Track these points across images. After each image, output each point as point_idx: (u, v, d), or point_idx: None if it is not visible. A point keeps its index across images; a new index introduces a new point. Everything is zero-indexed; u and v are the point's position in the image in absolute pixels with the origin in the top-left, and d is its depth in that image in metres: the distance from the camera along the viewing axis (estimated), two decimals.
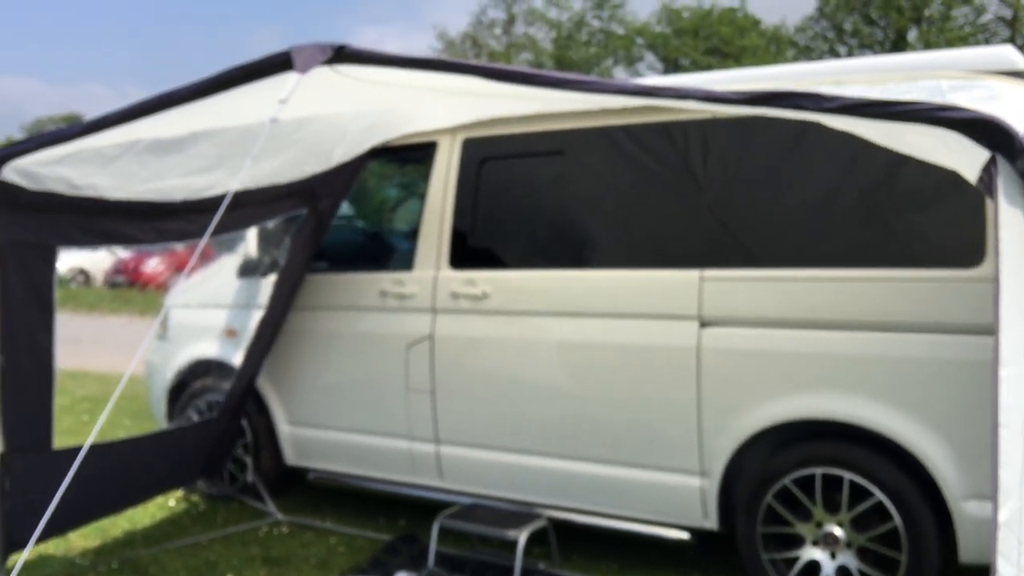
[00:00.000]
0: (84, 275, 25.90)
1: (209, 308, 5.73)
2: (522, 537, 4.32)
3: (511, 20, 36.73)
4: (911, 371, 3.72)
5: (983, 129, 2.02)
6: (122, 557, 4.75)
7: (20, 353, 3.79)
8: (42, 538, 4.50)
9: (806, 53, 34.06)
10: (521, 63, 35.11)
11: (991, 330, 2.14)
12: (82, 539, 5.02)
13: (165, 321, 5.99)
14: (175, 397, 5.89)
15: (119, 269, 24.87)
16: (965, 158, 2.10)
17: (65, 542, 4.95)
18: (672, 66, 34.41)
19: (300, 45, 2.58)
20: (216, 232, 4.29)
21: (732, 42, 33.85)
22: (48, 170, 3.45)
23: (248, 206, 4.35)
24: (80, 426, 7.77)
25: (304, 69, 2.54)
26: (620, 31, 36.62)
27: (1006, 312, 1.92)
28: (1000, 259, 1.94)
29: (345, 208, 5.57)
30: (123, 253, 24.26)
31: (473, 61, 2.49)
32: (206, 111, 3.06)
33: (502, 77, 2.41)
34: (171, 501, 5.67)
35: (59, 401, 8.64)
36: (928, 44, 31.30)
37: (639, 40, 36.25)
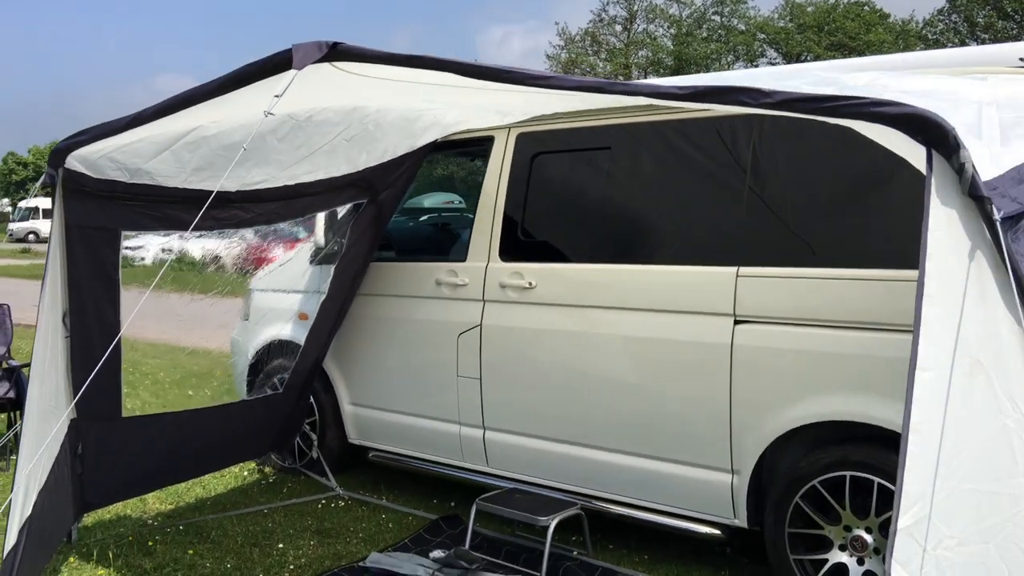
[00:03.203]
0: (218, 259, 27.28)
1: (285, 292, 6.06)
2: (552, 523, 4.42)
3: (631, 17, 36.43)
4: None
5: (915, 124, 1.99)
6: (189, 521, 5.12)
7: (88, 328, 4.15)
8: (117, 500, 4.93)
9: (936, 48, 32.41)
10: (640, 60, 34.79)
11: None
12: (158, 503, 5.43)
13: (248, 303, 6.38)
14: (255, 374, 6.26)
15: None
16: (914, 153, 2.08)
17: (142, 504, 5.36)
18: (794, 62, 33.46)
19: (300, 43, 2.77)
20: (273, 221, 4.59)
21: (858, 37, 32.55)
22: (106, 160, 3.78)
23: (304, 196, 4.60)
24: (184, 399, 8.33)
25: (300, 65, 2.72)
26: (741, 27, 35.79)
27: (929, 314, 1.90)
28: (925, 258, 1.91)
29: (410, 199, 5.79)
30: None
31: (452, 58, 2.61)
32: (235, 105, 3.29)
33: (469, 73, 2.53)
34: (244, 472, 6.04)
35: (170, 376, 9.32)
36: None
37: (760, 36, 35.33)
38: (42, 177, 3.75)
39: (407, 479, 5.80)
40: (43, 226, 41.91)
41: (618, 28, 36.95)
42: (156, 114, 3.29)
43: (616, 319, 4.54)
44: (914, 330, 1.91)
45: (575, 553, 4.66)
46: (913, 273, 3.67)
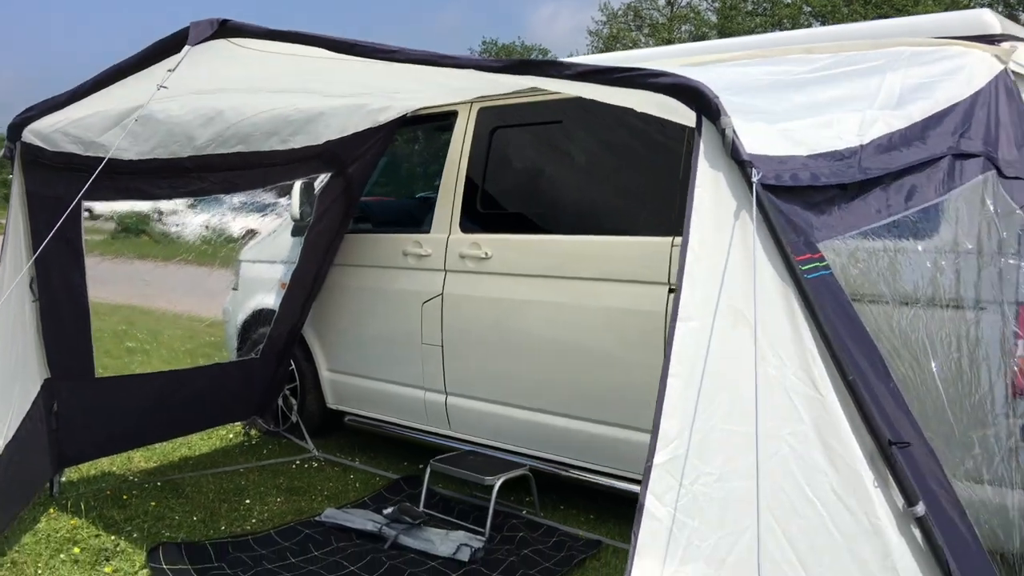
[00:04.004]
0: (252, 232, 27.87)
1: (270, 263, 6.30)
2: (497, 483, 4.60)
3: None
4: None
5: (686, 93, 2.10)
6: (167, 478, 5.40)
7: (55, 292, 4.41)
8: (94, 457, 5.23)
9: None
10: (683, 35, 34.36)
11: None
12: (143, 461, 5.73)
13: (237, 274, 6.65)
14: (243, 341, 6.53)
15: None
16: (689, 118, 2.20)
17: (128, 462, 5.66)
18: None
19: (198, 20, 2.95)
20: (231, 190, 4.81)
21: (907, 9, 31.65)
22: (60, 134, 4.02)
23: (262, 167, 4.80)
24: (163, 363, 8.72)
25: (193, 42, 2.91)
26: (787, 0, 35.06)
27: (692, 267, 2.01)
28: (691, 216, 2.03)
29: (379, 172, 5.97)
30: None
31: (325, 34, 2.77)
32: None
33: (338, 48, 2.69)
34: (230, 435, 6.32)
35: (186, 346, 9.67)
36: None
37: (806, 8, 34.58)
38: (1, 150, 4.01)
39: (381, 442, 6.02)
40: None
41: (661, 3, 36.55)
42: (93, 87, 3.51)
43: (562, 288, 4.67)
44: (678, 282, 2.02)
45: (524, 512, 4.84)
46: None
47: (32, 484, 4.55)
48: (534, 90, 4.82)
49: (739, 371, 1.98)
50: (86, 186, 3.36)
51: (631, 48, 34.04)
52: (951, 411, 2.49)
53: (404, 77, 3.58)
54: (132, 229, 23.75)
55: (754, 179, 2.00)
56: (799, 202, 2.29)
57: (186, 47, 2.93)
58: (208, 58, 3.17)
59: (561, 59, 3.24)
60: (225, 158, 4.54)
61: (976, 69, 3.47)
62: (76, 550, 4.32)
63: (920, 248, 2.75)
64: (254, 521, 4.82)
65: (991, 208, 3.08)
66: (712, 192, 2.06)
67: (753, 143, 2.10)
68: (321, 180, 5.55)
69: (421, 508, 4.83)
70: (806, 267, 2.07)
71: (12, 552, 4.28)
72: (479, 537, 4.48)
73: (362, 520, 4.66)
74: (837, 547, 2.00)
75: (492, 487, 4.62)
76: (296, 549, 4.43)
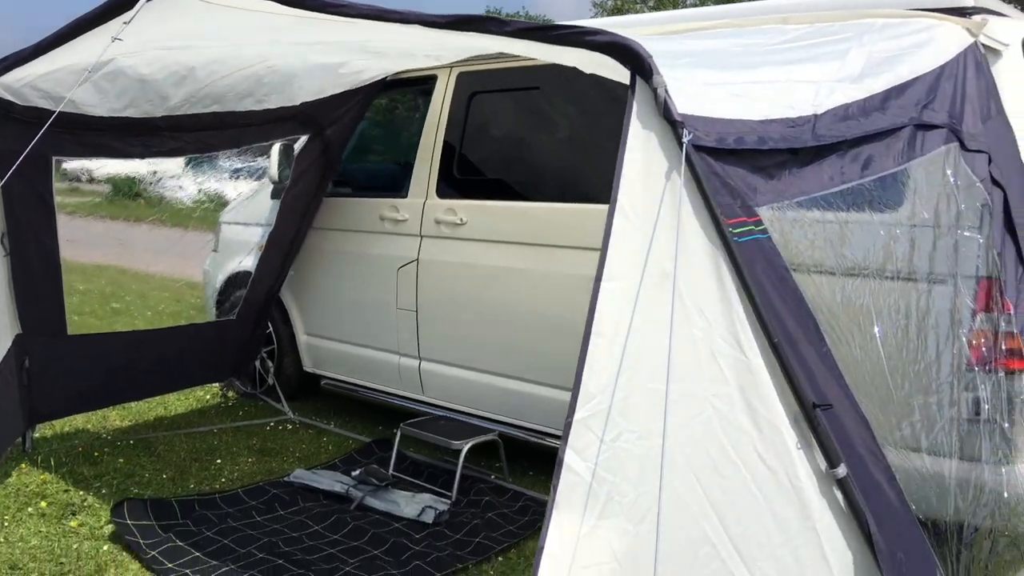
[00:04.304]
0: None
1: (249, 225, 6.30)
2: (464, 447, 4.63)
3: None
4: None
5: (621, 51, 2.09)
6: (141, 437, 5.43)
7: (27, 249, 4.42)
8: (67, 414, 5.26)
9: None
10: (687, 7, 34.04)
11: None
12: (119, 419, 5.76)
13: (217, 236, 6.65)
14: (222, 302, 6.54)
15: None
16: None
17: (103, 419, 5.70)
18: None
19: None
20: (205, 149, 4.80)
21: None
22: (29, 88, 4.01)
23: (235, 127, 4.78)
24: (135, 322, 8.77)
25: None
26: None
27: (619, 226, 2.01)
28: (621, 175, 2.02)
29: (360, 135, 5.96)
30: None
31: None
32: (135, 35, 3.47)
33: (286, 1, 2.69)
34: (208, 395, 6.35)
35: (172, 308, 9.68)
36: None
37: None
38: None
39: (356, 407, 6.05)
40: None
41: None
42: (56, 41, 3.50)
43: (537, 256, 4.67)
44: (603, 242, 2.02)
45: (492, 477, 4.87)
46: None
47: (2, 439, 4.57)
48: (512, 55, 4.80)
49: (664, 332, 1.99)
50: (37, 137, 3.33)
51: None
52: (891, 377, 2.50)
53: (373, 37, 3.57)
54: (127, 192, 23.64)
55: (685, 139, 1.99)
56: (746, 166, 2.28)
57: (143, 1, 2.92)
58: (172, 13, 3.16)
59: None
60: (199, 118, 4.52)
61: (945, 41, 3.44)
62: (43, 504, 4.35)
63: (875, 218, 2.75)
64: (223, 480, 4.85)
65: (951, 180, 3.07)
66: (643, 152, 2.05)
67: (691, 104, 2.09)
68: (301, 142, 5.53)
69: (391, 471, 4.86)
70: (738, 230, 2.06)
71: None
72: (445, 500, 4.51)
73: (330, 481, 4.69)
74: (758, 507, 2.01)
75: (460, 451, 4.64)
76: (262, 508, 4.46)
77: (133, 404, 5.97)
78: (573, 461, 1.87)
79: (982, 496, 2.64)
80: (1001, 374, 2.96)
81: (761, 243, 2.13)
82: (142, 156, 4.57)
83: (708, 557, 1.96)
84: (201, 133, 4.63)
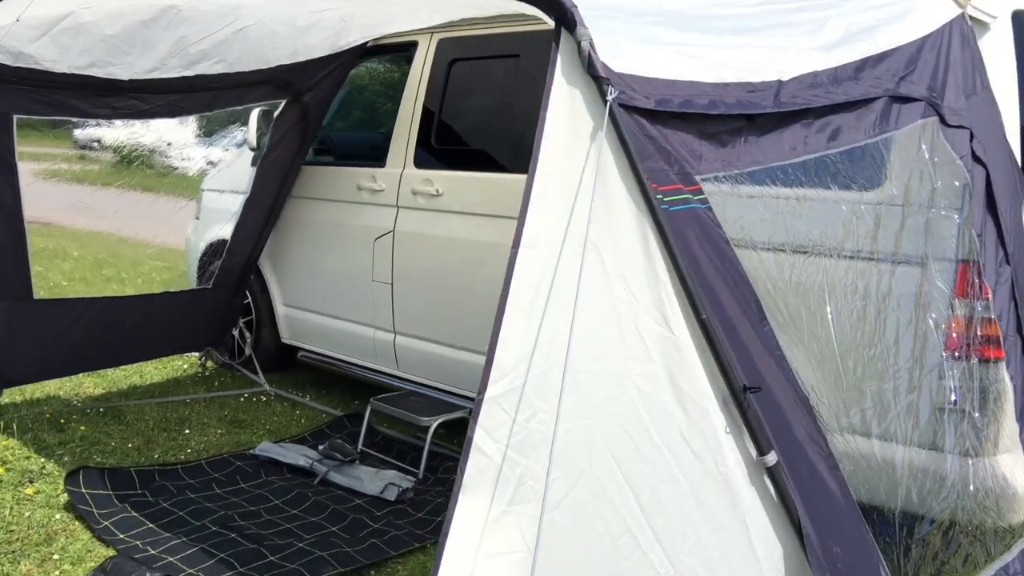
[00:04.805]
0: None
1: (228, 193, 6.18)
2: (433, 424, 4.53)
3: None
4: None
5: (545, 2, 1.96)
6: (112, 405, 5.35)
7: None
8: (37, 379, 5.18)
9: None
10: None
11: None
12: (92, 387, 5.68)
13: (199, 203, 6.54)
14: (203, 270, 6.44)
15: None
16: None
17: (77, 386, 5.62)
18: None
19: None
20: (176, 113, 4.67)
21: None
22: None
23: (208, 90, 4.65)
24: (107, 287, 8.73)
25: None
26: None
27: (539, 191, 1.87)
28: (542, 135, 1.89)
29: (341, 102, 5.82)
30: None
31: None
32: None
33: None
34: (185, 365, 6.27)
35: (164, 276, 9.63)
36: None
37: None
38: None
39: (334, 380, 5.95)
40: None
41: None
42: None
43: (510, 229, 4.51)
44: (522, 206, 1.89)
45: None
46: None
47: None
48: (493, 20, 4.65)
49: (586, 305, 1.86)
50: None
51: None
52: (842, 361, 2.36)
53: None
54: (134, 161, 23.61)
55: (608, 97, 1.85)
56: (692, 130, 2.14)
57: None
58: None
59: None
60: (167, 81, 4.39)
61: (929, 12, 3.27)
62: (2, 470, 4.28)
63: (838, 194, 2.60)
64: (189, 451, 4.77)
65: (926, 156, 2.92)
66: (567, 110, 1.91)
67: (627, 62, 1.95)
68: (280, 108, 5.40)
69: (359, 446, 4.77)
70: (670, 198, 1.93)
71: None
72: (410, 477, 4.41)
73: (295, 455, 4.60)
74: (683, 494, 1.89)
75: (428, 428, 4.54)
76: (224, 480, 4.38)
77: (109, 372, 5.90)
78: (483, 442, 1.75)
79: (942, 488, 2.51)
80: (974, 361, 2.82)
81: (698, 213, 1.99)
82: (108, 118, 4.45)
83: (628, 548, 1.83)
84: (171, 96, 4.50)
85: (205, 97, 4.70)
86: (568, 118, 1.91)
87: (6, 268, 4.54)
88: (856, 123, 2.74)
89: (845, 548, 1.99)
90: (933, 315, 2.67)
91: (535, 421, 1.79)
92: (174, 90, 4.50)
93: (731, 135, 2.27)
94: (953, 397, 2.59)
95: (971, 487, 2.54)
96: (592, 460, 1.84)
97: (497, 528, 1.74)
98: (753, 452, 1.92)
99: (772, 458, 1.91)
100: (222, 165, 6.42)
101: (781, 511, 1.92)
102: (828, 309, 2.33)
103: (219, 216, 6.19)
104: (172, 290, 5.75)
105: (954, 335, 2.73)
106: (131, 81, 4.27)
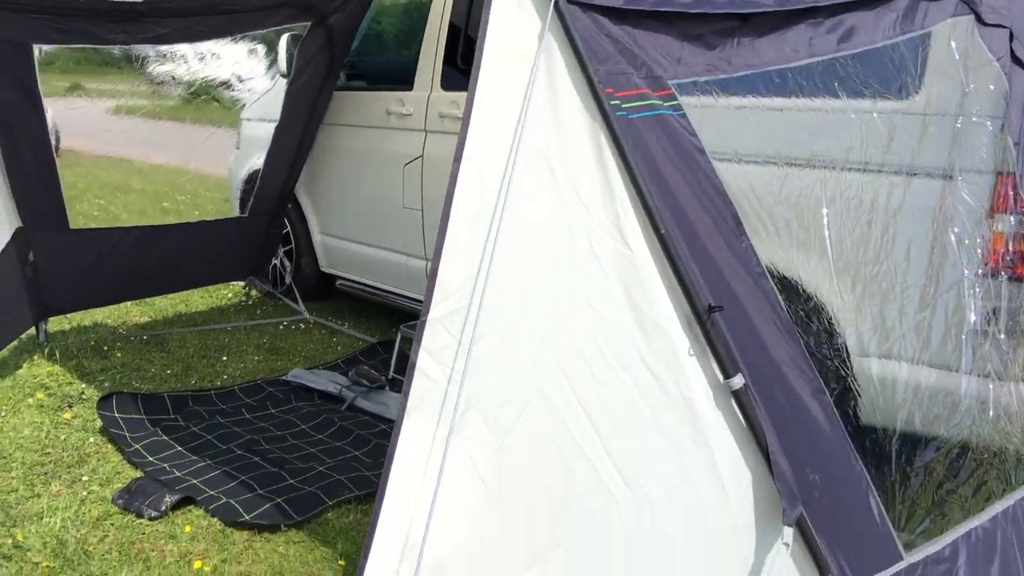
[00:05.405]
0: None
1: (265, 122, 6.15)
2: None
3: None
4: None
5: None
6: (156, 333, 5.46)
7: (17, 140, 4.36)
8: (78, 308, 5.31)
9: None
10: None
11: None
12: (139, 315, 5.81)
13: (239, 133, 6.54)
14: (244, 200, 6.47)
15: None
16: None
17: (124, 315, 5.74)
18: None
19: None
20: (194, 38, 4.63)
21: None
22: None
23: (227, 13, 4.58)
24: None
25: None
26: None
27: (484, 96, 1.74)
28: (485, 39, 1.74)
29: (369, 25, 5.69)
30: None
31: None
32: None
33: None
34: (229, 294, 6.35)
35: (222, 208, 9.77)
36: None
37: None
38: None
39: (373, 308, 5.96)
40: None
41: None
42: None
43: None
44: (464, 116, 1.76)
45: None
46: None
47: (4, 330, 4.62)
48: None
49: (535, 220, 1.74)
50: None
51: None
52: (839, 278, 2.20)
53: None
54: (201, 94, 23.82)
55: None
56: (671, 31, 1.98)
57: None
58: None
59: None
60: (183, 3, 4.33)
61: None
62: (43, 395, 4.41)
63: (846, 103, 2.40)
64: (226, 377, 4.84)
65: (956, 58, 2.68)
66: (515, 8, 1.76)
67: None
68: (274, 30, 5.30)
69: (391, 373, 4.77)
70: (630, 104, 1.78)
71: None
72: None
73: (324, 381, 4.63)
74: (641, 418, 1.79)
75: None
76: (255, 406, 4.43)
77: (155, 301, 6.01)
78: (427, 365, 1.67)
79: (954, 414, 2.35)
80: (1003, 280, 2.62)
81: (666, 120, 1.84)
82: (125, 43, 4.42)
83: (583, 473, 1.75)
84: (188, 19, 4.44)
85: (223, 20, 4.63)
86: (515, 17, 1.76)
87: (40, 199, 4.61)
88: (874, 22, 2.52)
89: (826, 476, 1.87)
90: (956, 230, 2.47)
91: (483, 343, 1.71)
92: (191, 13, 4.44)
93: (720, 36, 2.09)
94: (973, 317, 2.41)
95: (991, 412, 2.37)
96: (543, 383, 1.75)
97: (443, 453, 1.68)
98: (720, 375, 1.81)
99: (738, 381, 1.79)
100: (260, 93, 6.38)
101: (750, 437, 1.81)
102: (825, 224, 2.17)
103: (257, 145, 6.18)
104: (208, 219, 5.78)
105: (980, 251, 2.54)
106: (147, 3, 4.22)
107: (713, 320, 1.76)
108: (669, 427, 1.79)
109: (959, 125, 2.64)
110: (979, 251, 2.47)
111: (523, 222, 1.73)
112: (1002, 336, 2.53)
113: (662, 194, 1.78)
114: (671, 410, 1.79)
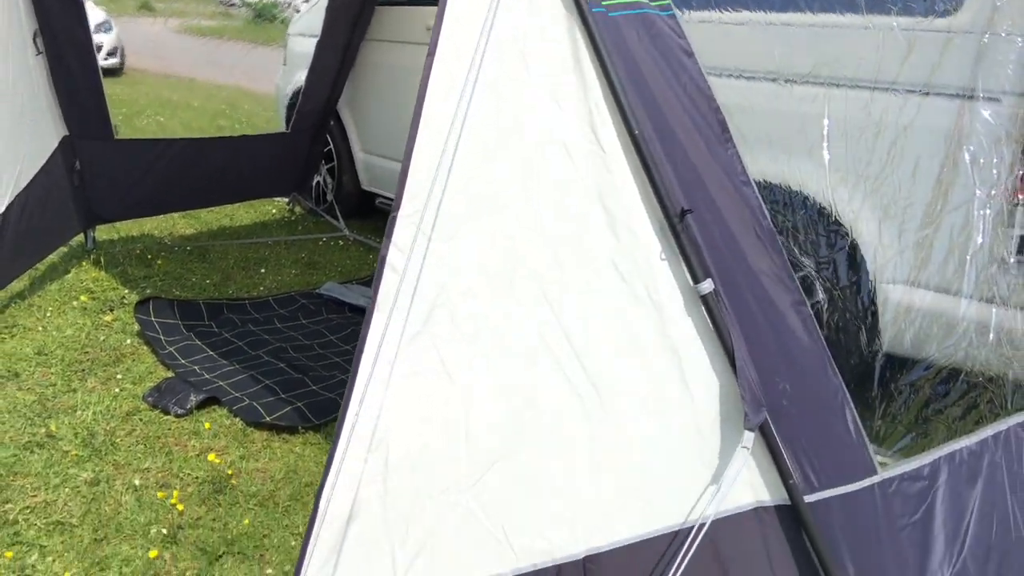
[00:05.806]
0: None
1: (309, 37, 6.17)
2: None
3: None
4: None
5: None
6: (199, 244, 5.61)
7: (62, 47, 4.46)
8: (124, 218, 5.46)
9: None
10: None
11: None
12: (185, 226, 5.96)
13: (286, 49, 6.58)
14: (290, 117, 6.54)
15: None
16: None
17: (171, 227, 5.90)
18: None
19: None
20: None
21: None
22: None
23: None
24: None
25: None
26: None
27: (451, 5, 1.70)
28: (442, 21, 1.71)
29: None
30: None
31: None
32: None
33: None
34: (273, 209, 6.47)
35: (276, 126, 9.86)
36: None
37: None
38: None
39: None
40: None
41: None
42: None
43: None
44: (437, 16, 1.74)
45: None
46: None
47: (52, 236, 4.79)
48: None
49: (507, 117, 1.74)
50: None
51: None
52: (834, 191, 2.16)
53: None
54: (266, 15, 24.04)
55: None
56: None
57: None
58: None
59: None
60: None
61: None
62: (86, 299, 4.58)
63: (866, 19, 2.32)
64: (262, 288, 4.97)
65: None
66: (466, 14, 1.73)
67: None
68: None
69: None
70: (609, 2, 1.75)
71: (35, 296, 4.58)
72: None
73: (356, 295, 4.72)
74: (605, 313, 1.80)
75: None
76: (287, 316, 4.55)
77: (202, 214, 6.17)
78: (396, 260, 1.70)
79: (949, 335, 2.30)
80: (1021, 203, 2.54)
81: (650, 19, 1.81)
82: None
83: (545, 365, 1.78)
84: None
85: None
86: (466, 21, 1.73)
87: (85, 107, 4.72)
88: None
89: (799, 386, 1.87)
90: (971, 148, 2.39)
91: (455, 240, 1.73)
92: None
93: None
94: (980, 239, 2.34)
95: (990, 336, 2.32)
96: (513, 279, 1.77)
97: (412, 347, 1.72)
98: (690, 280, 1.80)
99: (707, 286, 1.78)
100: (307, 8, 6.39)
101: (719, 344, 1.81)
102: (824, 137, 2.12)
103: (302, 61, 6.22)
104: (250, 134, 5.86)
105: (996, 171, 2.45)
106: None
107: (685, 223, 1.75)
108: (634, 325, 1.80)
109: (986, 41, 2.53)
110: (994, 171, 2.39)
111: (494, 118, 1.73)
112: (1012, 259, 2.46)
113: (639, 94, 1.76)
114: (637, 310, 1.80)
